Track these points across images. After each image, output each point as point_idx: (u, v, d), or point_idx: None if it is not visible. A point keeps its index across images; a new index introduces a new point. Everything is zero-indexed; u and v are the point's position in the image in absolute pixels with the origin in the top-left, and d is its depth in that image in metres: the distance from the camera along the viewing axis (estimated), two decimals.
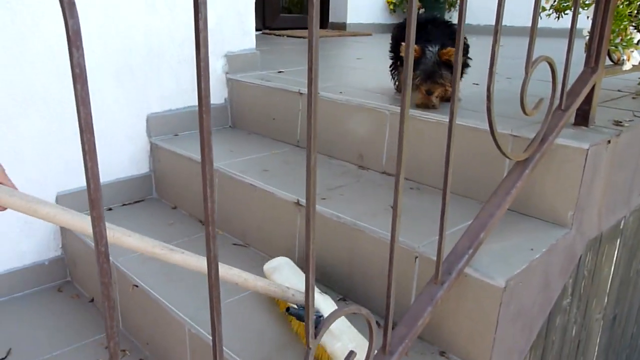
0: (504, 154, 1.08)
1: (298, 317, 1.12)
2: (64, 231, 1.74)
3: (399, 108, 1.53)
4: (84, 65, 0.47)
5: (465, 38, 1.54)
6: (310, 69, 0.62)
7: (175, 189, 1.85)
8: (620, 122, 1.39)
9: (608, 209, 1.40)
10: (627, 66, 1.34)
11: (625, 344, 1.94)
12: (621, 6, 1.26)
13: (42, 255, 1.73)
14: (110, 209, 1.80)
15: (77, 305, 1.65)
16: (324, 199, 1.39)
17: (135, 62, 1.79)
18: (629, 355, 2.03)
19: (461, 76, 1.53)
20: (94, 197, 0.51)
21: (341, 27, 4.36)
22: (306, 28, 4.27)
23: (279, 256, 1.36)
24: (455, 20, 1.14)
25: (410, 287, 1.18)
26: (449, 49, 1.46)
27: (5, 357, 1.40)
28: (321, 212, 1.34)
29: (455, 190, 1.42)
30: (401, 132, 0.80)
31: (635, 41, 1.32)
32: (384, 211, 1.33)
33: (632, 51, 1.39)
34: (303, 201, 1.39)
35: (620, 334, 1.85)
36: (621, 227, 1.55)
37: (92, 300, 1.66)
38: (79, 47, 0.47)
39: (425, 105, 1.53)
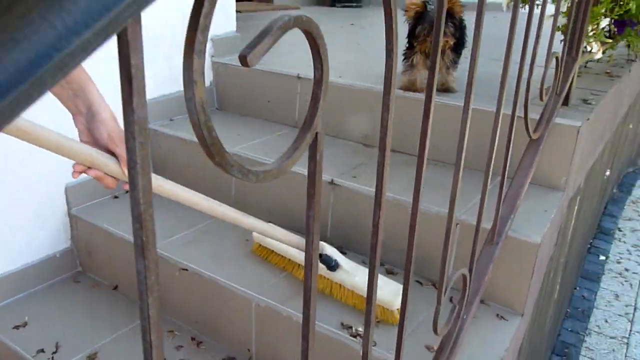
0: (529, 135, 1.31)
1: (325, 262, 1.31)
2: (74, 222, 1.73)
3: (403, 92, 1.71)
4: (395, 71, 0.60)
5: (462, 20, 1.73)
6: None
7: (176, 172, 1.89)
8: (587, 100, 1.68)
9: (578, 173, 1.71)
10: (598, 55, 1.63)
11: (566, 286, 2.34)
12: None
13: (53, 247, 1.70)
14: (117, 197, 1.81)
15: (99, 294, 1.67)
16: (354, 177, 1.55)
17: None
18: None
19: (458, 56, 1.73)
20: (379, 202, 0.64)
21: (267, 0, 4.39)
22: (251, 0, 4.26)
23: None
24: None
25: (450, 252, 1.39)
26: None
27: (56, 351, 1.42)
28: (356, 190, 1.50)
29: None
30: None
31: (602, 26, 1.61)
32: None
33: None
34: (337, 180, 1.53)
35: (567, 275, 2.23)
36: (581, 186, 1.88)
37: (116, 287, 1.69)
38: (393, 51, 0.59)
39: (408, 88, 1.71)
